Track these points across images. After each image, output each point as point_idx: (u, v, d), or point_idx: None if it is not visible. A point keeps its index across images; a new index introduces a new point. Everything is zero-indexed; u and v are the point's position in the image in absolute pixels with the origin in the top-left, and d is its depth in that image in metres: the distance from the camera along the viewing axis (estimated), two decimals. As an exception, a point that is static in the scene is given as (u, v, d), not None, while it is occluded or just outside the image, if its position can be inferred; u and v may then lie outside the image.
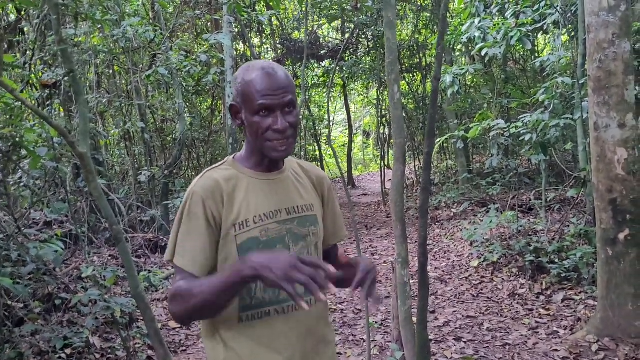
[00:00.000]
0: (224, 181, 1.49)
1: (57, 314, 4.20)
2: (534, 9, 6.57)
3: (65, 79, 4.71)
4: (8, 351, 3.46)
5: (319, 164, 17.66)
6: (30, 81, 6.42)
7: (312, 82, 15.83)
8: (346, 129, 18.35)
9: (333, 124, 18.64)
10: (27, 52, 6.53)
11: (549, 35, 10.20)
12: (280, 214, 1.53)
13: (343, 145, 17.13)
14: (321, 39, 15.31)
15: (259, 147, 1.49)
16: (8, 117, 4.56)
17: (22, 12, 6.70)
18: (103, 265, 5.35)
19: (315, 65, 15.61)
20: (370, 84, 16.57)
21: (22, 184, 5.31)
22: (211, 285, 1.35)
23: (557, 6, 6.10)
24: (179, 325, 5.01)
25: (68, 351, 3.80)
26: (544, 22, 6.68)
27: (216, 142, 11.67)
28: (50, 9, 3.65)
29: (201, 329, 1.58)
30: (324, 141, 19.89)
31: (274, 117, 1.44)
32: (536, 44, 10.44)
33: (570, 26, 6.59)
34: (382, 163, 14.42)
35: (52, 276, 4.37)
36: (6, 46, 5.99)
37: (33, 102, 5.57)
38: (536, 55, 10.51)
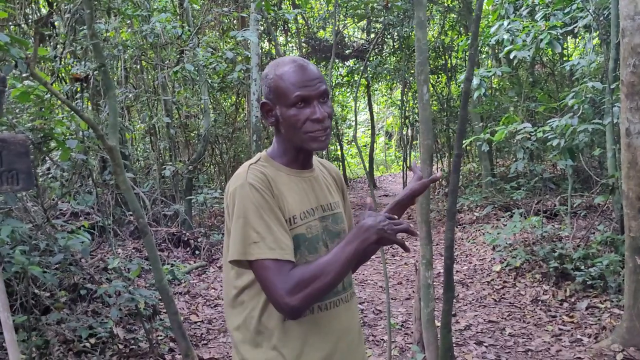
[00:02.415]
0: (269, 176, 1.47)
1: (82, 303, 4.27)
2: (564, 12, 6.45)
3: (96, 72, 4.78)
4: (35, 338, 3.53)
5: (341, 164, 17.66)
6: (60, 74, 6.54)
7: (336, 81, 15.83)
8: (368, 129, 18.29)
9: (356, 124, 18.61)
10: (58, 46, 6.65)
11: (578, 39, 10.03)
12: (318, 211, 1.52)
13: (365, 146, 17.06)
14: (346, 39, 15.30)
15: (298, 141, 1.45)
16: (38, 109, 4.64)
17: (54, 6, 6.82)
18: (127, 258, 5.42)
19: (340, 64, 15.60)
20: (395, 85, 16.49)
21: (50, 176, 5.40)
22: (341, 259, 1.34)
23: (590, 9, 5.99)
24: (201, 319, 5.06)
25: (92, 340, 3.87)
26: (574, 25, 6.56)
27: (239, 139, 11.72)
28: (84, 3, 3.71)
29: (235, 324, 1.49)
30: (346, 141, 19.83)
31: (311, 108, 1.42)
32: (565, 47, 10.27)
33: (601, 30, 6.47)
34: (404, 164, 14.30)
35: (78, 266, 4.44)
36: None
37: (62, 95, 5.66)
38: (565, 59, 10.35)
